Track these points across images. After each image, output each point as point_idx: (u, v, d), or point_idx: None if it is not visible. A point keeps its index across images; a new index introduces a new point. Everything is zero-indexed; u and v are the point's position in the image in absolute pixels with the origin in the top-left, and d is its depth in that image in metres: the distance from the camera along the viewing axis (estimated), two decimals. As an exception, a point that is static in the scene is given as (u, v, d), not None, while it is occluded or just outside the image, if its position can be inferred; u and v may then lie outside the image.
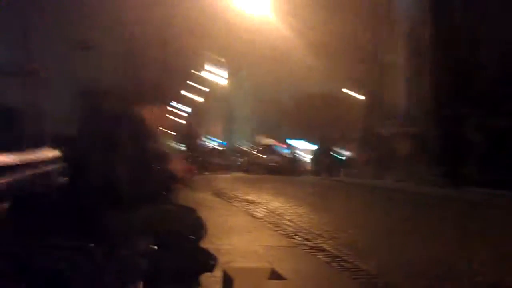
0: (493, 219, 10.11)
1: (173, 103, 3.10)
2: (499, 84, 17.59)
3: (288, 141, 49.89)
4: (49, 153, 4.08)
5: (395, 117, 25.50)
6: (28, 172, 3.29)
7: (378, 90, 27.83)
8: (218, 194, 13.29)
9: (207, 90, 70.53)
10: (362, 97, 33.39)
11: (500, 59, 17.84)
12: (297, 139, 51.69)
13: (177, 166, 3.07)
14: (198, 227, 3.02)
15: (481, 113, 17.85)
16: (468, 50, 19.03)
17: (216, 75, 68.52)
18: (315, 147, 44.67)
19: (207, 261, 2.82)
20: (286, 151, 43.95)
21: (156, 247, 2.83)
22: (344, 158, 42.26)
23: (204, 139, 70.42)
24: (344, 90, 45.40)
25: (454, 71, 19.57)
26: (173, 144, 3.29)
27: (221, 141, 64.07)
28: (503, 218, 10.32)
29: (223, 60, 63.62)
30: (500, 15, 17.84)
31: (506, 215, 10.78)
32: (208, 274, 3.16)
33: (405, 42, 24.90)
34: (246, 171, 31.35)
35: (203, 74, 58.23)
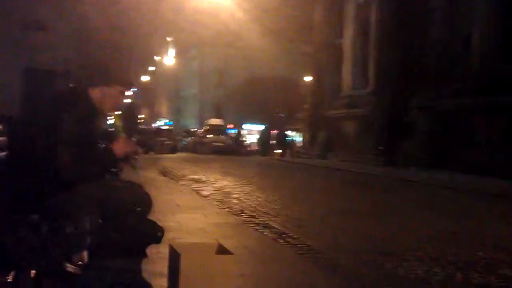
0: (431, 198, 10.48)
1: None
2: (443, 66, 18.08)
3: (236, 121, 49.96)
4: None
5: (341, 99, 25.85)
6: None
7: (326, 72, 28.09)
8: (164, 173, 13.23)
9: (153, 68, 69.61)
10: (309, 80, 33.68)
11: (446, 40, 18.30)
12: (245, 120, 51.84)
13: (121, 145, 3.04)
14: (144, 201, 3.03)
15: (425, 94, 18.33)
16: (414, 33, 19.42)
17: (162, 54, 67.62)
18: (262, 127, 44.90)
19: (154, 233, 2.82)
20: (233, 132, 44.04)
21: (101, 221, 2.82)
22: (291, 138, 42.68)
23: (148, 119, 69.64)
24: (294, 72, 45.84)
25: (399, 53, 19.96)
26: (117, 124, 3.25)
27: (167, 121, 63.47)
28: (439, 197, 10.71)
29: (170, 39, 62.80)
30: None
31: (441, 195, 11.17)
32: (154, 250, 3.16)
33: (352, 24, 25.19)
34: (192, 151, 31.25)
35: (150, 52, 57.29)
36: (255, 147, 36.84)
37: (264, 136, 35.81)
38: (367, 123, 22.01)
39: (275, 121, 42.54)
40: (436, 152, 17.17)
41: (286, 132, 36.47)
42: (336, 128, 25.52)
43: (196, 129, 43.35)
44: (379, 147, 20.23)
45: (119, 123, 3.29)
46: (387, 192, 11.62)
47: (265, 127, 35.71)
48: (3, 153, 3.47)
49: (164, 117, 70.34)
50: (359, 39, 24.55)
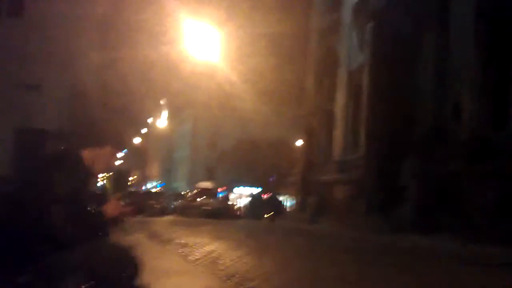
0: (426, 266, 10.29)
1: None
2: (434, 132, 18.27)
3: (226, 184, 49.86)
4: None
5: (332, 163, 25.94)
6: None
7: (317, 136, 28.33)
8: (152, 237, 13.03)
9: (146, 130, 70.00)
10: (301, 144, 33.96)
11: (436, 107, 18.57)
12: (237, 182, 51.78)
13: (111, 207, 3.01)
14: (132, 264, 2.97)
15: (416, 159, 18.43)
16: (405, 99, 19.73)
17: (155, 116, 68.23)
18: (254, 190, 44.80)
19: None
20: (222, 195, 43.89)
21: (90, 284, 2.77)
22: (281, 202, 42.53)
23: (139, 181, 69.42)
24: (286, 135, 46.30)
25: (391, 118, 20.22)
26: (108, 185, 3.24)
27: (158, 183, 63.27)
28: (432, 265, 10.53)
29: (163, 101, 63.56)
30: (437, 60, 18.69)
31: (436, 262, 11.00)
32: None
33: (344, 90, 25.62)
34: (181, 214, 30.98)
35: (143, 115, 57.77)
36: (245, 211, 36.59)
37: (255, 200, 35.70)
38: (359, 188, 22.00)
39: (266, 184, 42.52)
40: (429, 217, 17.09)
41: (277, 196, 36.42)
42: (327, 192, 25.49)
43: (186, 192, 43.17)
44: (370, 212, 20.14)
45: (109, 185, 3.28)
46: (378, 259, 11.43)
47: (257, 190, 35.68)
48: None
49: (155, 179, 70.17)
50: (351, 104, 24.92)
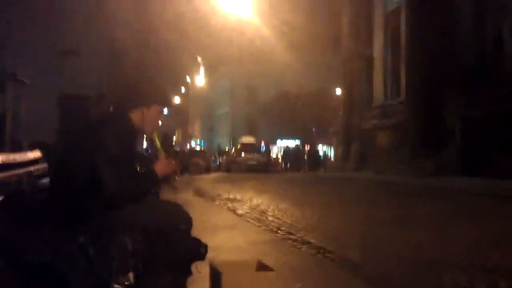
0: (470, 206, 10.27)
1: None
2: (476, 72, 17.83)
3: (268, 138, 50.01)
4: (31, 154, 4.08)
5: (373, 109, 25.67)
6: (13, 172, 3.29)
7: (356, 83, 27.97)
8: (200, 193, 13.29)
9: (185, 90, 70.31)
10: (340, 93, 33.61)
11: (478, 45, 18.06)
12: (279, 136, 51.88)
13: (162, 165, 3.09)
14: (185, 219, 3.07)
15: (458, 102, 18.07)
16: (445, 39, 19.22)
17: (193, 75, 68.31)
18: (295, 143, 44.83)
19: (198, 250, 2.85)
20: (265, 149, 44.09)
21: (146, 241, 2.88)
22: (323, 153, 42.46)
23: (181, 140, 70.22)
24: (323, 86, 45.85)
25: (431, 60, 19.77)
26: (157, 144, 3.29)
27: (199, 141, 63.94)
28: (478, 205, 10.49)
29: (200, 59, 63.44)
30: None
31: (480, 202, 10.96)
32: (194, 270, 3.19)
33: (381, 33, 25.08)
34: (226, 170, 31.32)
35: (180, 73, 57.90)
36: (289, 163, 36.79)
37: (297, 152, 35.75)
38: (401, 133, 21.77)
39: (308, 136, 42.44)
40: (472, 159, 16.87)
41: (318, 147, 36.38)
42: (370, 139, 25.31)
43: (229, 148, 43.50)
44: (414, 157, 19.98)
45: (159, 143, 3.32)
46: (425, 201, 11.44)
47: (299, 142, 35.72)
48: (46, 180, 3.57)
49: (196, 138, 70.87)
50: (390, 48, 24.42)
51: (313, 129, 45.02)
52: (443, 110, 18.73)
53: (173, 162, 3.21)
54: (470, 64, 18.22)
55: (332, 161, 35.10)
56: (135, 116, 3.08)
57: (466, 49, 18.41)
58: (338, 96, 35.73)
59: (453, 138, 18.18)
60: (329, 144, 42.12)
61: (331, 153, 39.94)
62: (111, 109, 3.26)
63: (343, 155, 29.00)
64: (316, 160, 33.95)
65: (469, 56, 18.29)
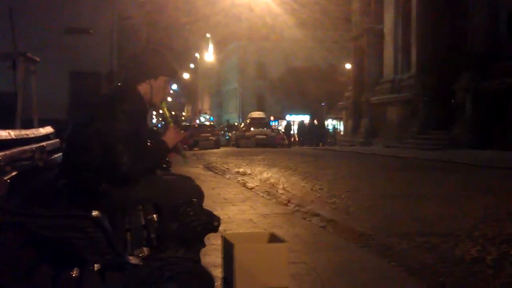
0: (482, 179, 10.27)
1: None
2: (488, 45, 17.64)
3: (278, 113, 49.96)
4: (43, 130, 4.11)
5: (383, 84, 25.55)
6: (25, 147, 3.32)
7: (366, 58, 27.79)
8: (210, 168, 13.35)
9: (192, 66, 70.17)
10: (350, 67, 33.44)
11: (490, 18, 17.84)
12: (288, 111, 51.82)
13: (171, 134, 3.11)
14: (197, 192, 3.10)
15: (469, 76, 17.92)
16: (457, 12, 18.99)
17: (202, 51, 68.07)
18: (305, 118, 44.75)
19: (211, 222, 2.88)
20: (274, 123, 44.04)
21: (159, 214, 2.92)
22: (332, 127, 42.39)
23: (191, 116, 70.33)
24: (331, 62, 45.60)
25: (443, 34, 19.57)
26: (166, 114, 3.29)
27: (209, 116, 63.95)
28: (490, 178, 10.48)
29: (208, 35, 63.13)
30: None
31: (492, 175, 10.95)
32: (207, 242, 3.23)
33: (392, 8, 24.83)
34: (235, 145, 31.38)
35: (189, 49, 57.62)
36: (298, 138, 36.81)
37: (306, 126, 35.73)
38: (412, 107, 21.68)
39: (317, 111, 42.31)
40: (484, 133, 16.80)
41: (327, 121, 36.26)
42: (379, 114, 25.25)
43: (238, 123, 43.48)
44: (424, 131, 19.92)
45: (167, 113, 3.34)
46: (437, 174, 11.45)
47: (310, 116, 35.64)
48: (59, 155, 3.60)
49: (206, 113, 70.92)
50: (401, 22, 24.18)
51: (323, 104, 44.88)
52: (454, 84, 18.59)
53: (182, 132, 3.22)
54: (482, 38, 18.00)
55: (341, 135, 35.08)
56: (143, 88, 3.09)
57: (477, 23, 18.17)
58: (347, 71, 35.51)
59: (464, 112, 18.07)
60: (339, 118, 41.99)
61: (340, 127, 39.86)
62: (119, 84, 3.26)
63: (352, 129, 28.97)
64: (324, 134, 33.97)
65: (481, 30, 18.07)
